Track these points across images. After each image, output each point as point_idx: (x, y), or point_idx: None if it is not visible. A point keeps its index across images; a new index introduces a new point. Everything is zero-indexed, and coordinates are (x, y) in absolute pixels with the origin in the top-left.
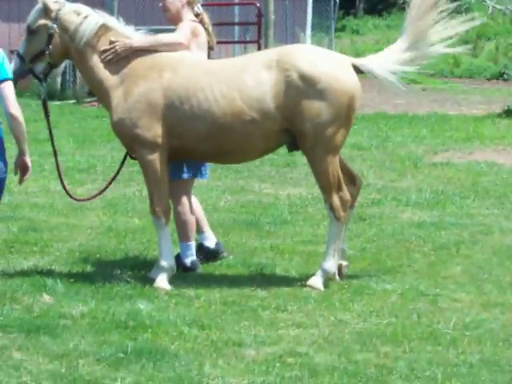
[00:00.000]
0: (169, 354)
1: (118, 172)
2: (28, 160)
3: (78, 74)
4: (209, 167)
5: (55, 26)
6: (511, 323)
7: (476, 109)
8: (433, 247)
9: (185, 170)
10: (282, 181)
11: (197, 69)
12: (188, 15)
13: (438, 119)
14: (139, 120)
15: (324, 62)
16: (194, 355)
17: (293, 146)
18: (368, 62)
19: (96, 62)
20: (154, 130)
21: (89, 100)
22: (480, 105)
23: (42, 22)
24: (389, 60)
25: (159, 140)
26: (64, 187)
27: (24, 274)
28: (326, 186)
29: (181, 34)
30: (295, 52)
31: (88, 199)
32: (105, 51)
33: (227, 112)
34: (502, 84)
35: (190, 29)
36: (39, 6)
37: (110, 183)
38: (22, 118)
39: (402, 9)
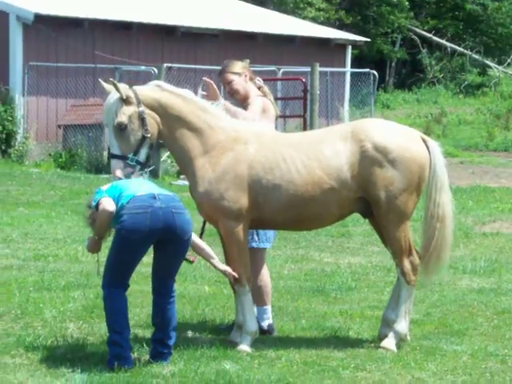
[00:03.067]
0: None
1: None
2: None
3: None
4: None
5: (142, 109)
6: None
7: None
8: (495, 312)
9: (265, 238)
10: (340, 250)
11: (278, 141)
12: (253, 90)
13: (481, 191)
14: (227, 191)
15: (396, 133)
16: None
17: (365, 214)
18: (435, 144)
19: (182, 131)
20: (240, 202)
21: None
22: None
23: (131, 111)
24: None
25: (244, 211)
26: None
27: None
28: (398, 251)
29: (253, 113)
30: (368, 125)
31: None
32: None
33: (308, 181)
34: None
35: (261, 106)
36: (115, 98)
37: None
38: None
39: (432, 83)
